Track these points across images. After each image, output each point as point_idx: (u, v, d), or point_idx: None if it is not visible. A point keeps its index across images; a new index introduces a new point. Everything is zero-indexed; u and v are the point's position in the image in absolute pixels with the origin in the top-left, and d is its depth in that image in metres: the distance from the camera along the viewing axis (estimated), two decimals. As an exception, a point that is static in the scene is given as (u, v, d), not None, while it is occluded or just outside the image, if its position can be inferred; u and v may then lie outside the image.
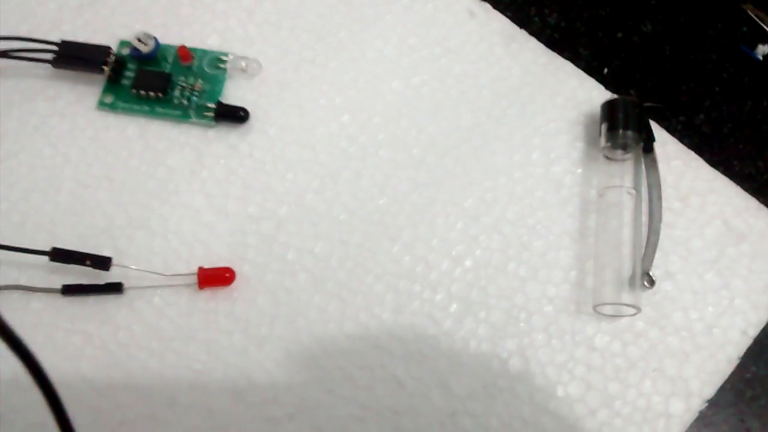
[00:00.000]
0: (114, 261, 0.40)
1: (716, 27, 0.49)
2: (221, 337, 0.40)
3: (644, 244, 0.41)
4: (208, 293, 0.40)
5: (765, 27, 0.49)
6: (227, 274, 0.40)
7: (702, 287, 0.41)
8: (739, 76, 0.48)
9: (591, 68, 0.47)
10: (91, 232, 0.42)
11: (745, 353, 0.40)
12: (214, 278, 0.40)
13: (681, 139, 0.45)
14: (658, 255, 0.41)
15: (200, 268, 0.40)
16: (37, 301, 0.40)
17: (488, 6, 0.48)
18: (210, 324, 0.40)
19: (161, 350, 0.39)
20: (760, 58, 0.48)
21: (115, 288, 0.40)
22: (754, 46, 0.49)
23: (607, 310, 0.40)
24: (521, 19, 0.49)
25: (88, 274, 0.40)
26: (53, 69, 0.45)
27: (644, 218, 0.42)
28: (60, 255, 0.39)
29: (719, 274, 0.42)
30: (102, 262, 0.40)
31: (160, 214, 0.42)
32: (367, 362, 0.39)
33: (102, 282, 0.40)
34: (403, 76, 0.46)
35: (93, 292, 0.40)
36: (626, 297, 0.40)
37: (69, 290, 0.40)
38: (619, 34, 0.49)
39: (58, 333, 0.39)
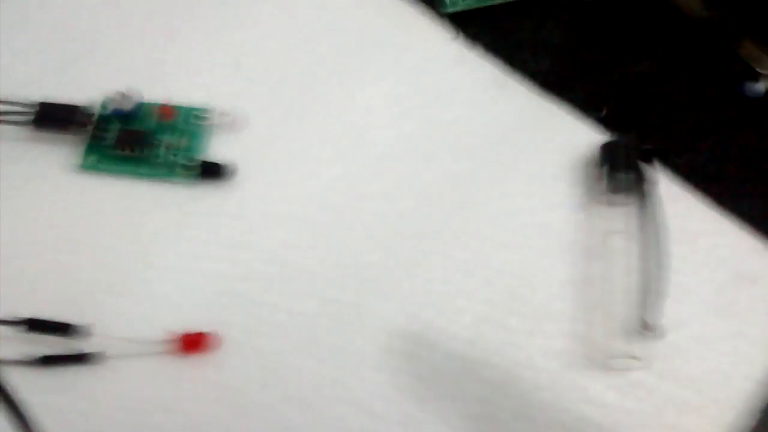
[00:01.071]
0: (94, 329, 0.38)
1: (713, 65, 0.48)
2: (205, 408, 0.37)
3: (651, 291, 0.39)
4: (192, 361, 0.38)
5: (761, 64, 0.48)
6: (212, 340, 0.38)
7: (714, 335, 0.39)
8: (741, 114, 0.47)
9: (587, 111, 0.46)
10: (72, 298, 0.40)
11: (765, 404, 0.38)
12: (198, 344, 0.38)
13: (684, 180, 0.44)
14: (666, 303, 0.39)
15: (184, 334, 0.38)
16: (13, 374, 0.38)
17: (478, 52, 0.47)
18: (194, 394, 0.38)
19: (142, 424, 0.37)
20: (761, 94, 0.47)
21: (93, 358, 0.38)
22: (754, 83, 0.47)
23: (616, 363, 0.38)
24: (513, 64, 0.47)
25: (64, 344, 0.38)
26: (34, 131, 0.44)
27: (650, 264, 0.40)
28: (36, 325, 0.38)
29: (731, 320, 0.40)
30: (81, 332, 0.38)
31: (143, 278, 0.41)
32: (363, 430, 0.37)
33: (79, 352, 0.38)
34: (392, 125, 0.45)
35: (69, 362, 0.38)
36: (635, 349, 0.37)
37: (43, 362, 0.38)
38: (615, 76, 0.48)
39: (34, 408, 0.37)
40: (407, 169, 0.44)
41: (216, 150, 0.44)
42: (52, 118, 0.43)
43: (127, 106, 0.43)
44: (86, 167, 0.43)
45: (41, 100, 0.43)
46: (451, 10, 0.49)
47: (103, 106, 0.44)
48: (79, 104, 0.44)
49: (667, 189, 0.43)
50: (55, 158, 0.44)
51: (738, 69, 0.48)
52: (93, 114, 0.43)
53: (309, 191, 0.43)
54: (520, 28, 0.49)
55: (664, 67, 0.48)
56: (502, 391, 0.38)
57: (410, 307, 0.40)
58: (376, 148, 0.44)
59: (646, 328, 0.38)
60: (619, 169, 0.41)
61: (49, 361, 0.38)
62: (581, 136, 0.45)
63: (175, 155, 0.43)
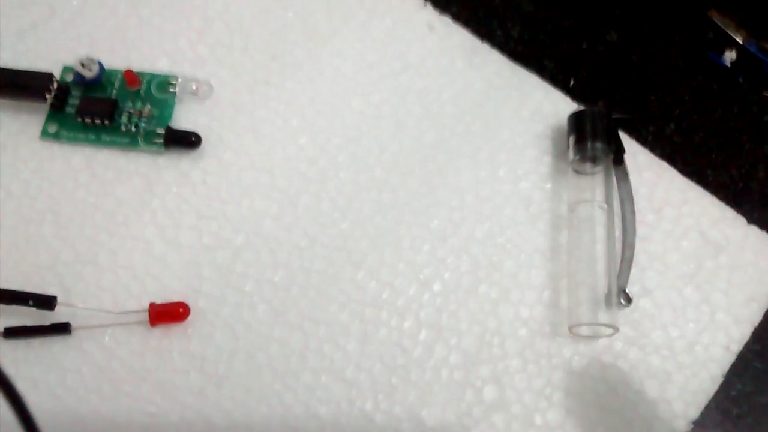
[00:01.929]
0: (60, 300, 0.38)
1: (682, 34, 0.48)
2: (176, 377, 0.37)
3: (619, 260, 0.40)
4: (161, 330, 0.38)
5: (731, 33, 0.48)
6: (181, 310, 0.38)
7: (681, 303, 0.40)
8: (708, 84, 0.47)
9: (556, 80, 0.46)
10: (35, 269, 0.39)
11: (729, 370, 0.39)
12: (167, 314, 0.38)
13: (652, 150, 0.44)
14: (633, 271, 0.39)
15: (152, 304, 0.38)
16: (-24, 347, 0.37)
17: (448, 19, 0.47)
18: (164, 363, 0.37)
19: (113, 393, 0.37)
20: (728, 64, 0.47)
21: (62, 329, 0.37)
22: (722, 53, 0.48)
23: (584, 330, 0.38)
24: (483, 32, 0.47)
25: (32, 315, 0.37)
26: (-8, 98, 0.42)
27: (618, 233, 0.40)
28: (0, 295, 0.37)
29: (698, 288, 0.40)
30: (46, 302, 0.37)
31: (108, 248, 0.40)
32: (333, 397, 0.37)
33: (47, 323, 0.37)
34: (362, 94, 0.44)
35: (38, 334, 0.37)
36: (603, 316, 0.38)
37: (11, 333, 0.37)
38: (584, 45, 0.48)
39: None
40: (376, 138, 0.43)
41: (181, 118, 0.43)
42: (12, 84, 0.42)
43: (90, 73, 0.42)
44: (48, 136, 0.42)
45: (1, 66, 0.42)
46: (420, -23, 0.48)
47: (65, 72, 0.43)
48: (39, 71, 0.42)
49: (635, 158, 0.43)
50: (16, 127, 0.42)
51: (708, 38, 0.48)
52: (54, 81, 0.42)
53: (276, 160, 0.42)
54: (489, -4, 0.49)
55: (633, 36, 0.48)
56: (472, 357, 0.38)
57: (380, 275, 0.40)
58: (345, 118, 0.44)
59: (613, 295, 0.38)
60: (587, 139, 0.41)
61: (13, 332, 0.37)
62: (550, 105, 0.45)
63: (139, 123, 0.42)
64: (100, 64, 0.43)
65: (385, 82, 0.45)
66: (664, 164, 0.43)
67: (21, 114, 0.43)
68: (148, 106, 0.43)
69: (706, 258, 0.41)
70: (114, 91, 0.43)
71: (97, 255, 0.40)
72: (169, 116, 0.43)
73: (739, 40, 0.48)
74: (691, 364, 0.38)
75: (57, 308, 0.37)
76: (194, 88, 0.43)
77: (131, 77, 0.43)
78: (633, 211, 0.41)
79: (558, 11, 0.49)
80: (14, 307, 0.37)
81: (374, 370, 0.38)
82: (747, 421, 0.39)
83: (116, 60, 0.44)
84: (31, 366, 0.37)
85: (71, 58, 0.43)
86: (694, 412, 0.38)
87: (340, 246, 0.40)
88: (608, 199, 0.41)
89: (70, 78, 0.43)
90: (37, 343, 0.38)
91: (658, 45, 0.48)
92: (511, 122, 0.44)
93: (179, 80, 0.43)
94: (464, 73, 0.45)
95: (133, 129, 0.42)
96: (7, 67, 0.42)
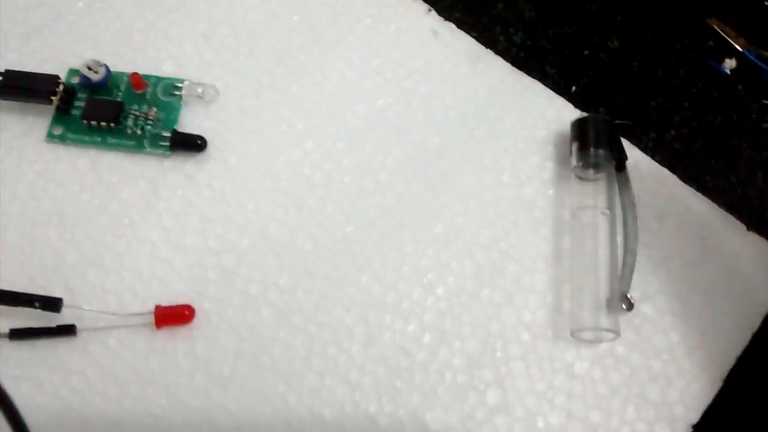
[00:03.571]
0: (65, 302, 0.38)
1: (683, 42, 0.49)
2: (181, 379, 0.37)
3: (621, 265, 0.40)
4: (166, 333, 0.38)
5: (730, 41, 0.49)
6: (186, 312, 0.38)
7: (682, 308, 0.40)
8: (708, 91, 0.47)
9: (559, 87, 0.46)
10: (40, 271, 0.39)
11: (729, 374, 0.39)
12: (173, 316, 0.38)
13: (653, 157, 0.44)
14: (635, 276, 0.40)
15: (157, 307, 0.38)
16: (-18, 348, 0.37)
17: (452, 26, 0.47)
18: (169, 365, 0.38)
19: (118, 395, 0.37)
20: (728, 72, 0.48)
21: (68, 330, 0.37)
22: (721, 61, 0.48)
23: (586, 335, 0.39)
24: (486, 39, 0.47)
25: (38, 316, 0.38)
26: (-1, 100, 0.43)
27: (620, 238, 0.41)
28: (6, 297, 0.37)
29: (699, 293, 0.41)
30: (52, 304, 0.37)
31: (114, 251, 0.40)
32: (337, 399, 0.37)
33: (53, 324, 0.37)
34: (367, 99, 0.45)
35: (43, 335, 0.37)
36: (605, 321, 0.38)
37: (17, 334, 0.37)
38: (586, 52, 0.48)
39: (6, 381, 0.36)
40: (381, 143, 0.44)
41: (187, 122, 0.43)
42: (19, 86, 0.42)
43: (96, 76, 0.42)
44: (54, 138, 0.42)
45: (5, 69, 0.42)
46: (424, -17, 0.48)
47: (72, 75, 0.44)
48: (45, 73, 0.42)
49: (637, 165, 0.44)
50: (22, 128, 0.43)
51: (708, 46, 0.49)
52: (60, 83, 0.42)
53: (282, 164, 0.43)
54: (493, 3, 0.49)
55: (634, 44, 0.48)
56: (475, 361, 0.38)
57: (384, 279, 0.40)
58: (350, 122, 0.44)
59: (615, 300, 0.39)
60: (590, 145, 0.41)
61: (19, 334, 0.37)
62: (553, 111, 0.45)
63: (145, 126, 0.42)
64: (107, 67, 0.43)
65: (390, 87, 0.45)
66: (666, 171, 0.44)
67: (27, 116, 0.43)
68: (154, 110, 0.43)
69: (706, 264, 0.41)
70: (120, 94, 0.43)
71: (102, 257, 0.40)
72: (175, 119, 0.43)
73: (739, 48, 0.48)
74: (692, 368, 0.39)
75: (63, 310, 0.38)
76: (200, 91, 0.43)
77: (137, 80, 0.43)
78: (635, 217, 0.41)
79: (560, 18, 0.49)
80: (20, 309, 0.37)
81: (378, 373, 0.38)
82: (745, 425, 0.39)
83: (122, 63, 0.44)
84: (36, 367, 0.37)
85: (77, 61, 0.44)
86: (694, 416, 0.38)
87: (344, 249, 0.41)
88: (610, 205, 0.41)
89: (76, 80, 0.43)
90: (42, 345, 0.38)
91: (659, 52, 0.48)
92: (514, 128, 0.44)
93: (185, 83, 0.43)
94: (468, 79, 0.46)
95: (139, 132, 0.42)
96: (14, 69, 0.42)
